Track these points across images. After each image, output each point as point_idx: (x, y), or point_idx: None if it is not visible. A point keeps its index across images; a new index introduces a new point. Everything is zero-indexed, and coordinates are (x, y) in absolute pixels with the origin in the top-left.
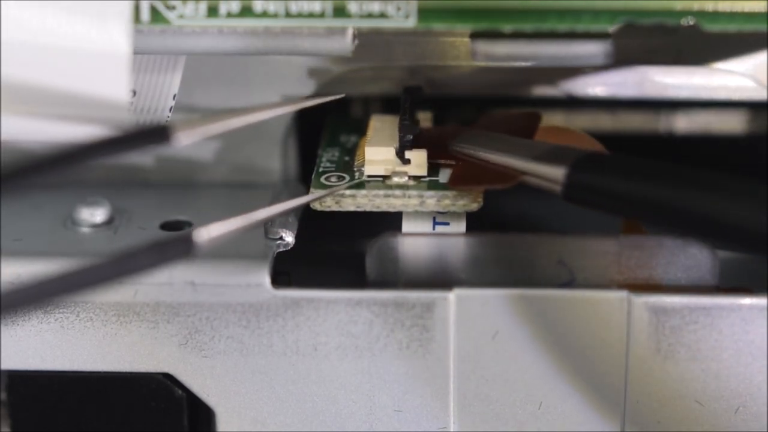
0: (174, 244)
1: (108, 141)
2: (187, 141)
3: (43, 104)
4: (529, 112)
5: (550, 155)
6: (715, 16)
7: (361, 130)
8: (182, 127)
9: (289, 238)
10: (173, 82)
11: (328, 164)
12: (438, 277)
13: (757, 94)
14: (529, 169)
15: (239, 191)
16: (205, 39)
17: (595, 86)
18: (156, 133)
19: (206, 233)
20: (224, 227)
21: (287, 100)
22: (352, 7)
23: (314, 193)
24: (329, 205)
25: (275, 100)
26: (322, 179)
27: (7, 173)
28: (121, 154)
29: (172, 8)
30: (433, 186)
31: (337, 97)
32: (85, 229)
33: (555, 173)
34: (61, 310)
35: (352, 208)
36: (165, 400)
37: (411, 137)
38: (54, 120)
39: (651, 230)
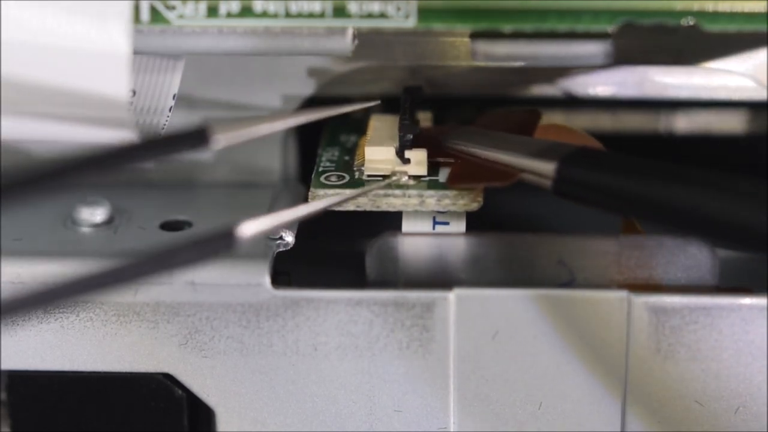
0: (216, 240)
1: (147, 144)
2: (225, 143)
3: (43, 104)
4: (528, 109)
5: (542, 151)
6: (715, 16)
7: (361, 129)
8: (221, 130)
9: (289, 237)
10: (173, 82)
11: (328, 164)
12: (438, 277)
13: (757, 94)
14: (521, 165)
15: (239, 191)
16: (205, 39)
17: (595, 86)
18: (195, 136)
19: (248, 229)
20: (266, 223)
21: (322, 107)
22: (352, 7)
23: (355, 191)
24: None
25: (276, 100)
26: (322, 179)
27: (43, 173)
28: (160, 158)
29: (172, 8)
30: (433, 185)
31: (373, 103)
32: (85, 229)
33: (545, 168)
34: (61, 310)
35: (351, 208)
36: (165, 400)
37: (411, 137)
38: (54, 120)
39: (648, 229)
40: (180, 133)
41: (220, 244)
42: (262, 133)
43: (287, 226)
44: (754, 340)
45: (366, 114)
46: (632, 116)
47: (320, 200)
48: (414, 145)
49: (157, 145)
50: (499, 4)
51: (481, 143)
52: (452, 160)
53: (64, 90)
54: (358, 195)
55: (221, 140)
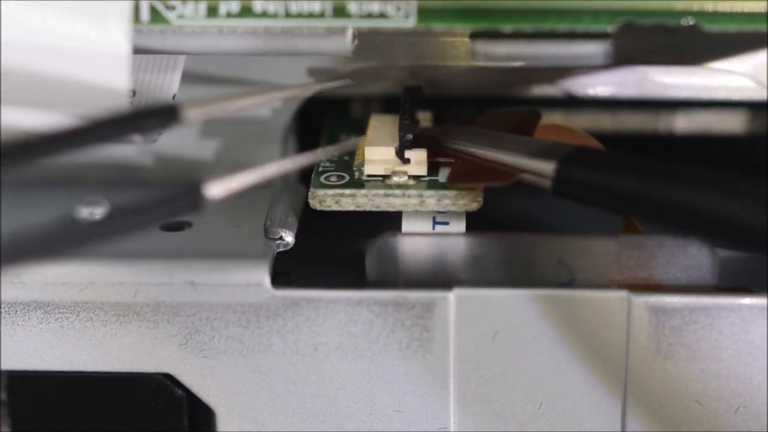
0: (181, 197)
1: (118, 119)
2: (196, 119)
3: (42, 104)
4: (528, 110)
5: (541, 151)
6: (715, 16)
7: (360, 129)
8: (192, 105)
9: (289, 238)
10: (173, 82)
11: (327, 164)
12: (438, 277)
13: (757, 94)
14: (520, 165)
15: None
16: (205, 39)
17: (595, 86)
18: (166, 112)
19: (215, 188)
20: (234, 182)
21: (294, 85)
22: (352, 7)
23: (329, 149)
24: (329, 204)
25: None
26: (322, 179)
27: (13, 148)
28: (132, 134)
29: (171, 8)
30: (433, 185)
31: (345, 83)
32: None
33: (545, 168)
34: (61, 310)
35: (351, 208)
36: (165, 400)
37: (411, 137)
38: (54, 120)
39: (647, 229)
40: (150, 109)
41: (185, 202)
42: (233, 109)
43: (255, 184)
44: (754, 340)
45: (366, 114)
46: (632, 116)
47: (289, 159)
48: (414, 145)
49: (126, 120)
50: (499, 4)
51: (480, 143)
52: (452, 160)
53: (64, 90)
54: (339, 150)
55: (192, 115)
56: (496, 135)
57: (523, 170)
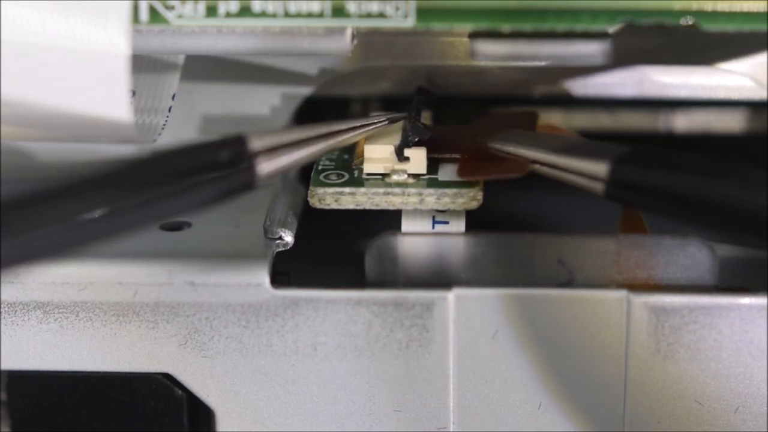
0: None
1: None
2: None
3: (42, 104)
4: (525, 111)
5: (592, 151)
6: (714, 16)
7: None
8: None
9: (289, 237)
10: (173, 82)
11: (327, 162)
12: (438, 277)
13: (757, 93)
14: (568, 166)
15: None
16: (204, 39)
17: (595, 86)
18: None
19: (267, 167)
20: (286, 159)
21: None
22: (351, 7)
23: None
24: (329, 203)
25: (276, 100)
26: (322, 177)
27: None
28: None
29: (170, 8)
30: (433, 184)
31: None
32: None
33: (596, 169)
34: (60, 310)
35: (351, 207)
36: (165, 400)
37: (417, 139)
38: (53, 120)
39: (697, 232)
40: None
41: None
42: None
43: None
44: (754, 340)
45: (365, 113)
46: (632, 116)
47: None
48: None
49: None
50: (498, 4)
51: (527, 145)
52: (457, 156)
53: (63, 90)
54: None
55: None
56: (541, 136)
57: (577, 173)
